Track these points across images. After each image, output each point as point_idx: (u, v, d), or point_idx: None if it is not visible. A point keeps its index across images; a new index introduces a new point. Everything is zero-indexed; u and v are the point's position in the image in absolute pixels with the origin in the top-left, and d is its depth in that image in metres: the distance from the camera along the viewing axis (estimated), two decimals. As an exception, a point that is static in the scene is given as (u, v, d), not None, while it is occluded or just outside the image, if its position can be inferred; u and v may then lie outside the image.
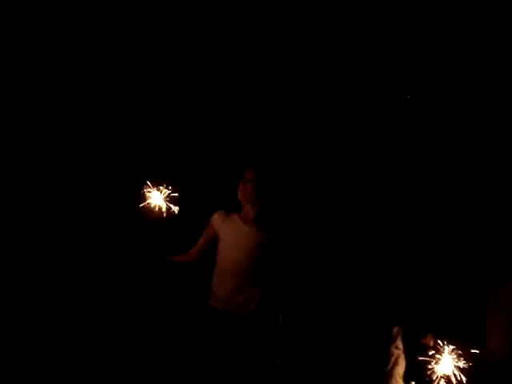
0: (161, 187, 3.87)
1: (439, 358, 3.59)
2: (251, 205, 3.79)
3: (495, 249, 4.01)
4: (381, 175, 4.51)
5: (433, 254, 4.24)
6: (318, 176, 4.59)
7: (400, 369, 4.13)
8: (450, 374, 3.56)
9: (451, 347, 3.56)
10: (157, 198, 3.87)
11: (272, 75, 4.63)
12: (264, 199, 3.79)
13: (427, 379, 3.59)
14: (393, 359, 4.12)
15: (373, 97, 4.56)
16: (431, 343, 3.73)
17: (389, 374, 4.12)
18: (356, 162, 4.56)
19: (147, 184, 3.87)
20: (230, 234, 3.79)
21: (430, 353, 3.61)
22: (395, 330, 4.14)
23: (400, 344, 4.15)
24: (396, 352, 4.13)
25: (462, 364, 3.54)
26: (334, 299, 4.40)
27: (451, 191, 4.36)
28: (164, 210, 3.85)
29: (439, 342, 3.61)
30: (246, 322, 3.75)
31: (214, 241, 3.85)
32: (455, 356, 3.56)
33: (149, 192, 3.86)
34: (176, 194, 3.88)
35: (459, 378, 3.53)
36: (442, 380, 3.56)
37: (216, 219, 3.87)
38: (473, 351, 3.68)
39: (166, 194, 3.87)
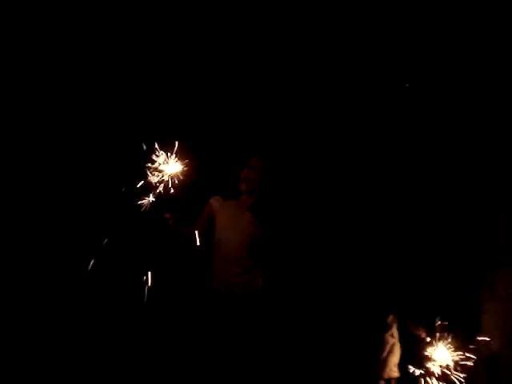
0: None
1: (433, 349, 3.58)
2: (250, 194, 3.82)
3: (491, 237, 3.96)
4: (376, 169, 4.47)
5: (428, 243, 4.20)
6: (314, 169, 4.56)
7: (395, 357, 4.13)
8: (444, 364, 3.56)
9: (445, 339, 3.55)
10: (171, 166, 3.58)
11: (273, 70, 4.57)
12: (263, 189, 3.82)
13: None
14: (388, 347, 4.13)
15: (371, 92, 4.49)
16: (423, 334, 3.72)
17: (384, 362, 4.12)
18: (353, 155, 4.52)
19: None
20: (229, 220, 3.80)
21: (423, 343, 3.61)
22: (390, 318, 4.13)
23: (395, 332, 4.15)
24: (391, 340, 4.14)
25: (456, 356, 3.53)
26: (330, 288, 4.38)
27: (447, 179, 4.30)
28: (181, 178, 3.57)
29: (433, 332, 3.60)
30: (249, 301, 3.76)
31: (212, 222, 3.85)
32: (450, 348, 3.55)
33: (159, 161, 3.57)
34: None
35: (454, 369, 3.53)
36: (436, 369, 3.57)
37: (215, 201, 3.89)
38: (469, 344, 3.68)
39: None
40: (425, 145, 4.44)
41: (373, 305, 4.17)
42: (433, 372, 3.52)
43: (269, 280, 3.80)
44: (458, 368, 3.53)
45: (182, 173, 3.55)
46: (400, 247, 4.19)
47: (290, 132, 4.61)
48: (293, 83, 4.58)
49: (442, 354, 3.59)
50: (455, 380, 3.50)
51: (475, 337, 3.88)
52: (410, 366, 3.53)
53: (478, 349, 3.91)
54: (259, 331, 3.73)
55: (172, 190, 3.52)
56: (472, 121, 4.31)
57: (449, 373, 3.51)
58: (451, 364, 3.52)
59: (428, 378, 3.51)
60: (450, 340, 3.55)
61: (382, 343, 4.13)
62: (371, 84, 4.48)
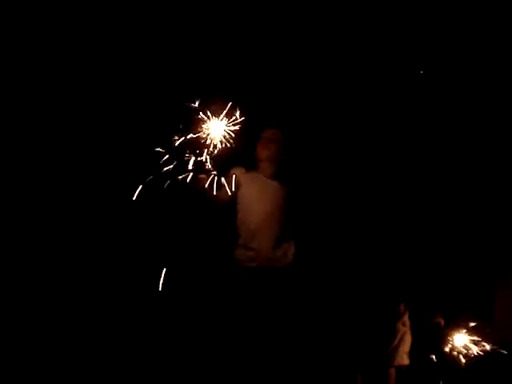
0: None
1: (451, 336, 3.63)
2: (271, 162, 3.91)
3: (505, 227, 4.01)
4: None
5: (441, 233, 4.22)
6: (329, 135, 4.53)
7: (406, 346, 4.10)
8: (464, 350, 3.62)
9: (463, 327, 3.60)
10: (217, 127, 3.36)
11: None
12: (283, 157, 3.93)
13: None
14: (399, 336, 4.09)
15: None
16: (442, 322, 3.74)
17: (395, 351, 4.09)
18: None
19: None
20: (256, 189, 3.87)
21: (442, 330, 3.65)
22: (402, 306, 4.12)
23: (407, 321, 4.13)
24: (402, 329, 4.11)
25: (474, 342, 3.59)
26: (342, 276, 4.35)
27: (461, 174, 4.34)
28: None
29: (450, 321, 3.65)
30: (283, 276, 3.85)
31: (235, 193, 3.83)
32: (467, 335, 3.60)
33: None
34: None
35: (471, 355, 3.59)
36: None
37: (238, 172, 3.90)
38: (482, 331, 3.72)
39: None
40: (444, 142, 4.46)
41: (385, 294, 4.16)
42: (453, 357, 3.58)
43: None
44: (476, 354, 3.60)
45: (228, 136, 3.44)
46: (413, 236, 4.19)
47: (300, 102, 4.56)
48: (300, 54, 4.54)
49: (461, 340, 3.66)
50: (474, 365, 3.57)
51: (489, 326, 3.92)
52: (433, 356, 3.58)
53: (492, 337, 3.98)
54: (282, 310, 3.75)
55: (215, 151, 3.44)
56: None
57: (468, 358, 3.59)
58: (470, 349, 3.60)
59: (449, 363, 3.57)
60: (468, 327, 3.61)
61: (393, 331, 4.11)
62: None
